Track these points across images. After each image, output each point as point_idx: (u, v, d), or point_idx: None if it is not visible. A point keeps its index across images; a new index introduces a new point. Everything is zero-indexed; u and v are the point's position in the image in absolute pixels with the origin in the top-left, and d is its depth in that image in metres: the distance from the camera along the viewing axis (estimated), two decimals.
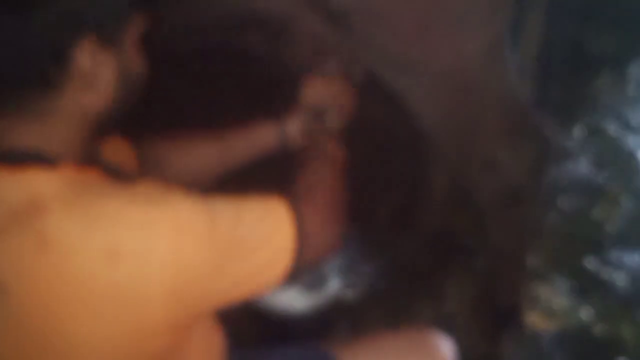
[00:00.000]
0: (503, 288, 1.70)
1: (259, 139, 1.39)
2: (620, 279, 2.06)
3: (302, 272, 1.00)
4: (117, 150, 1.18)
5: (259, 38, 1.32)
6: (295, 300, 1.61)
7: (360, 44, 1.21)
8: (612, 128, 2.65)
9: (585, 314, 1.97)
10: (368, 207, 2.21)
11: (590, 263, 2.11)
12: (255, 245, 0.94)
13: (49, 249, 0.81)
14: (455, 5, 1.13)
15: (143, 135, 1.29)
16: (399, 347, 1.28)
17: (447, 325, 1.84)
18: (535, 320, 1.94)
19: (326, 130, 1.32)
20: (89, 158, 0.94)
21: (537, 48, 1.51)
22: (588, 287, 2.04)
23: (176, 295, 0.85)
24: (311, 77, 1.36)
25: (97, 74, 0.88)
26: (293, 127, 1.37)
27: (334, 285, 1.66)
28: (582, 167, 2.47)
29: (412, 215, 2.10)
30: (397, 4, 1.11)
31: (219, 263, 0.89)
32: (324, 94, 1.35)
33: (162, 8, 1.07)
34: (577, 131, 2.63)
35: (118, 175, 0.97)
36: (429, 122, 1.31)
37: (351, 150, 1.47)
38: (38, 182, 0.85)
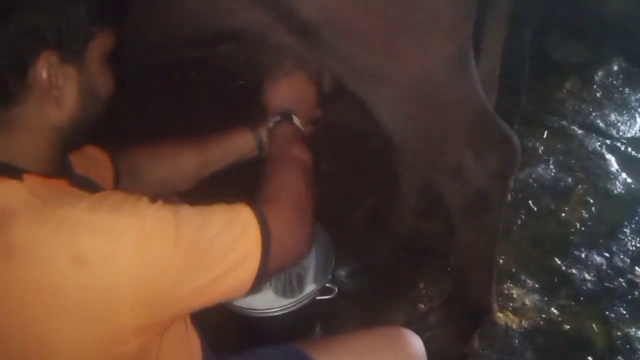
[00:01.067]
0: (473, 288, 1.73)
1: (235, 145, 1.40)
2: (587, 277, 2.11)
3: (271, 275, 1.00)
4: (91, 162, 1.19)
5: (233, 50, 1.34)
6: (272, 303, 1.63)
7: (330, 55, 1.24)
8: (578, 131, 2.72)
9: (554, 311, 2.02)
10: (342, 212, 2.26)
11: (559, 262, 2.16)
12: (221, 250, 0.94)
13: (16, 258, 0.83)
14: (420, 18, 1.15)
15: (122, 146, 1.31)
16: (372, 344, 1.29)
17: (420, 325, 1.90)
18: (506, 319, 1.99)
19: (295, 132, 1.31)
20: (56, 169, 0.96)
21: (499, 57, 1.55)
22: (557, 285, 2.09)
23: (143, 300, 0.87)
24: (269, 81, 1.37)
25: (58, 88, 0.90)
26: (265, 133, 1.38)
27: (309, 288, 1.67)
28: (550, 169, 2.53)
29: (385, 219, 2.15)
30: (365, 18, 1.13)
31: (185, 267, 0.90)
32: (285, 93, 1.36)
33: (138, 23, 1.08)
34: (546, 135, 2.70)
35: (86, 186, 0.98)
36: (397, 130, 1.34)
37: (325, 156, 1.51)
38: (4, 193, 0.87)
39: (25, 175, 0.89)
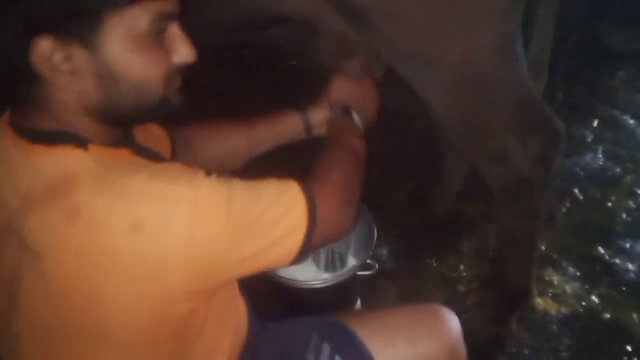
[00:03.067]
0: (513, 271, 1.76)
1: (285, 127, 1.45)
2: (630, 268, 2.11)
3: (314, 249, 1.05)
4: (150, 136, 1.24)
5: (285, 33, 1.38)
6: (314, 276, 1.68)
7: (378, 39, 1.27)
8: (629, 121, 2.68)
9: (595, 300, 2.02)
10: (386, 193, 2.30)
11: (602, 251, 2.16)
12: (269, 223, 0.99)
13: (80, 220, 0.88)
14: (467, 3, 1.18)
15: (178, 123, 1.37)
16: (408, 319, 1.33)
17: (459, 306, 1.93)
18: (545, 304, 2.00)
19: (353, 125, 1.37)
20: (120, 141, 1.00)
21: (550, 43, 1.55)
22: (598, 274, 2.10)
23: (192, 266, 0.92)
24: (339, 74, 1.41)
25: (64, 73, 0.90)
26: (318, 117, 1.44)
27: (350, 264, 1.72)
28: (598, 158, 2.51)
29: (428, 201, 2.18)
30: (413, 3, 1.17)
31: (234, 238, 0.95)
32: (350, 93, 1.41)
33: (197, 5, 1.10)
34: (595, 124, 2.67)
35: (148, 156, 1.04)
36: (442, 113, 1.37)
37: (370, 137, 1.54)
38: (70, 160, 0.92)
39: (89, 145, 0.94)
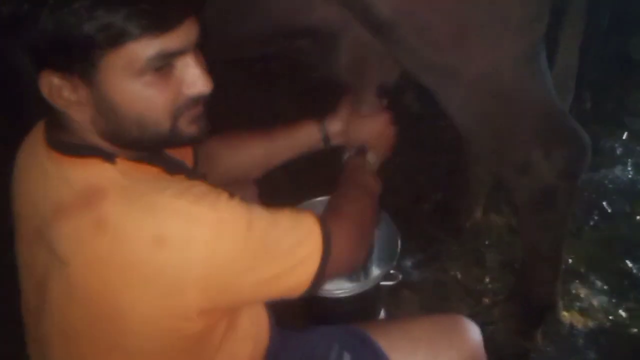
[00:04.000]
0: (538, 284, 1.75)
1: (302, 137, 1.49)
2: None
3: (326, 280, 1.08)
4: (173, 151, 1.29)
5: (309, 45, 1.40)
6: (338, 286, 1.69)
7: (402, 50, 1.29)
8: None
9: (622, 314, 2.00)
10: (411, 204, 2.31)
11: (630, 265, 2.14)
12: (285, 250, 1.02)
13: (106, 230, 0.92)
14: (491, 16, 1.19)
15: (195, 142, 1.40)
16: (429, 329, 1.34)
17: (483, 318, 1.93)
18: (572, 318, 1.98)
19: (368, 164, 1.42)
20: (145, 157, 1.02)
21: (576, 57, 1.55)
22: (626, 288, 2.07)
23: (209, 285, 0.95)
24: (355, 114, 1.46)
25: (70, 103, 0.93)
26: (335, 128, 1.47)
27: (374, 274, 1.73)
28: (627, 171, 2.49)
29: (453, 213, 2.18)
30: (436, 15, 1.18)
31: (251, 261, 0.98)
32: (366, 132, 1.45)
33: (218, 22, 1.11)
34: (624, 136, 2.65)
35: (176, 171, 1.06)
36: (465, 124, 1.38)
37: (397, 148, 1.57)
38: (98, 172, 0.96)
39: (117, 159, 0.97)
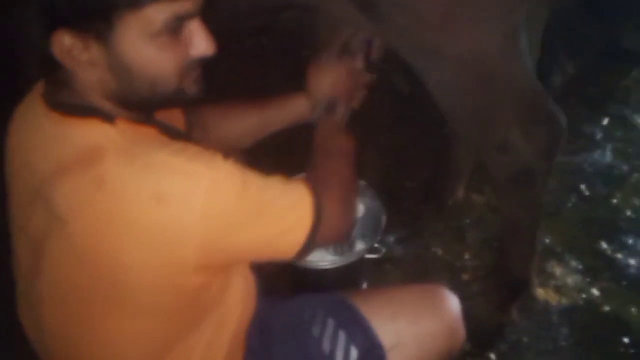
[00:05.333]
0: (514, 261, 1.81)
1: (292, 109, 1.53)
2: (632, 263, 2.14)
3: (315, 248, 1.13)
4: (168, 114, 1.29)
5: (295, 19, 1.42)
6: (322, 258, 1.74)
7: (388, 28, 1.32)
8: (639, 120, 2.71)
9: (595, 293, 2.06)
10: (397, 181, 2.35)
11: (605, 246, 2.20)
12: (278, 212, 1.07)
13: (106, 189, 0.95)
14: None
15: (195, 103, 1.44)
16: (410, 297, 1.39)
17: (462, 293, 1.98)
18: (547, 295, 2.04)
19: (338, 124, 1.44)
20: (143, 119, 1.07)
21: (539, 39, 1.59)
22: (601, 268, 2.13)
23: (205, 241, 0.99)
24: (313, 67, 1.47)
25: (82, 63, 0.96)
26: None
27: (358, 248, 1.78)
28: (607, 155, 2.54)
29: (438, 191, 2.23)
30: None
31: (246, 220, 1.03)
32: (329, 81, 1.46)
33: None
34: (606, 122, 2.70)
35: (172, 133, 1.11)
36: (448, 103, 1.42)
37: (384, 126, 1.61)
38: (98, 132, 0.99)
39: (116, 120, 1.01)
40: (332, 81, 1.46)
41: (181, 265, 1.00)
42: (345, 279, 1.79)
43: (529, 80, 1.41)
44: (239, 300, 1.26)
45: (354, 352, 1.29)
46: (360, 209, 1.82)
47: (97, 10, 0.92)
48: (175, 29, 0.97)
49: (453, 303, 1.40)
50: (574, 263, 2.15)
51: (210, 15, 1.33)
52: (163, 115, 1.26)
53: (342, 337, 1.30)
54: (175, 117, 1.39)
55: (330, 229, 1.16)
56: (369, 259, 1.75)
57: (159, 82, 1.00)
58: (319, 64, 1.48)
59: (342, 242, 1.31)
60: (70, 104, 1.02)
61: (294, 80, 1.56)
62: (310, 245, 1.11)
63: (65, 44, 0.94)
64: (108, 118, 1.01)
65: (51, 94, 1.04)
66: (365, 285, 1.94)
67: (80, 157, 0.98)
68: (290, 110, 1.53)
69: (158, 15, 0.94)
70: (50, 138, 1.02)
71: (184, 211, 0.97)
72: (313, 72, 1.48)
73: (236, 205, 1.01)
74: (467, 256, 2.18)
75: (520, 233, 1.72)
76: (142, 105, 1.05)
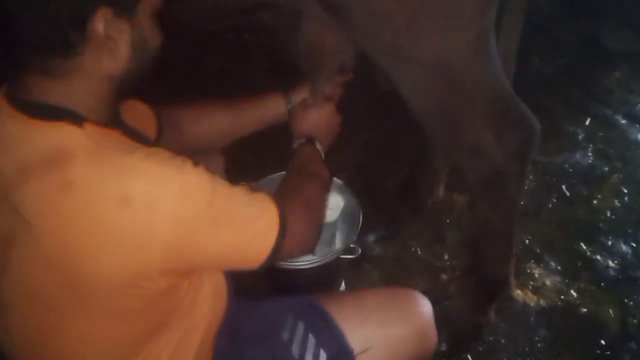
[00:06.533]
0: (490, 262, 1.81)
1: (269, 109, 1.54)
2: (610, 264, 2.15)
3: (280, 259, 1.15)
4: (137, 114, 1.33)
5: (272, 18, 1.43)
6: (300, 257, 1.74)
7: (356, 31, 1.32)
8: (621, 121, 2.72)
9: (573, 294, 2.07)
10: (376, 180, 2.35)
11: (584, 247, 2.21)
12: (244, 221, 1.08)
13: (72, 191, 0.96)
14: (442, 2, 1.23)
15: (165, 101, 1.44)
16: (381, 302, 1.39)
17: (440, 293, 2.00)
18: (524, 296, 2.05)
19: (316, 152, 1.46)
20: (110, 119, 1.08)
21: (516, 42, 1.60)
22: (579, 269, 2.15)
23: (171, 246, 1.00)
24: (301, 107, 1.52)
25: (113, 41, 1.01)
26: (300, 100, 1.52)
27: (335, 247, 1.78)
28: (588, 156, 2.55)
29: (416, 190, 2.23)
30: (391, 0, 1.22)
31: (212, 227, 1.04)
32: (312, 124, 1.50)
33: None
34: (587, 122, 2.71)
35: (136, 137, 1.11)
36: (418, 106, 1.42)
37: (363, 125, 1.60)
38: (66, 135, 0.99)
39: (85, 123, 1.01)
40: (314, 123, 1.50)
41: (147, 268, 1.00)
42: (322, 278, 1.79)
43: (499, 83, 1.41)
44: (209, 303, 1.27)
45: (323, 356, 1.29)
46: (339, 208, 1.82)
47: None
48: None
49: (424, 307, 1.41)
50: (552, 264, 2.16)
51: (180, 14, 1.34)
52: (133, 117, 1.28)
53: (311, 340, 1.31)
54: (146, 119, 1.39)
55: (295, 240, 1.17)
56: (345, 258, 1.74)
57: (155, 54, 1.10)
58: (304, 106, 1.53)
59: (305, 254, 1.32)
60: (39, 104, 1.01)
61: (273, 78, 1.56)
62: (276, 254, 1.13)
63: (106, 21, 0.98)
64: (77, 120, 1.01)
65: (16, 93, 1.04)
66: (343, 285, 1.94)
67: (47, 159, 0.98)
68: (265, 111, 1.54)
69: None
70: (15, 140, 1.02)
71: (150, 215, 0.97)
72: (299, 111, 1.52)
73: (204, 212, 1.02)
74: (446, 256, 2.19)
75: (495, 234, 1.72)
76: (131, 86, 1.11)
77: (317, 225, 1.27)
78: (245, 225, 1.09)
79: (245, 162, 1.61)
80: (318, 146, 1.47)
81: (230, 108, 1.53)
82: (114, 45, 1.02)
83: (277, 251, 1.12)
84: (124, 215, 0.96)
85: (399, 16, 1.24)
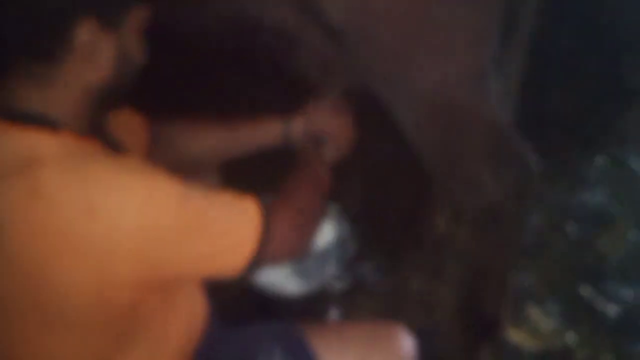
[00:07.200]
0: (483, 301, 1.77)
1: (264, 132, 1.49)
2: (612, 310, 2.10)
3: (262, 266, 1.12)
4: (127, 125, 1.31)
5: (270, 41, 1.42)
6: (287, 281, 1.72)
7: (353, 57, 1.30)
8: (634, 161, 2.65)
9: (571, 338, 2.01)
10: (379, 208, 2.32)
11: (586, 291, 2.15)
12: (218, 231, 1.05)
13: (38, 198, 0.95)
14: (439, 34, 1.21)
15: (159, 114, 1.43)
16: (362, 335, 1.37)
17: (432, 329, 1.95)
18: (519, 338, 2.00)
19: (321, 158, 1.41)
20: (90, 128, 1.07)
21: (518, 78, 1.57)
22: (579, 313, 2.09)
23: (139, 256, 0.98)
24: (318, 104, 1.46)
25: (96, 51, 1.00)
26: (297, 128, 1.47)
27: (328, 274, 1.76)
28: (597, 196, 2.50)
29: (420, 221, 2.19)
30: (385, 27, 1.19)
31: (183, 236, 1.01)
32: (326, 125, 1.44)
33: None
34: (599, 161, 2.66)
35: (114, 147, 1.10)
36: (413, 136, 1.39)
37: (370, 151, 1.58)
38: (38, 142, 0.99)
39: (60, 131, 1.00)
40: (328, 121, 1.45)
41: (113, 280, 0.99)
42: (310, 306, 1.77)
43: (497, 119, 1.38)
44: (182, 320, 1.24)
45: None
46: (332, 235, 1.80)
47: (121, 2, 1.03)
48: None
49: (406, 343, 1.39)
50: (551, 306, 2.10)
51: (180, 34, 1.34)
52: (124, 128, 1.27)
53: None
54: (134, 132, 1.38)
55: (279, 249, 1.13)
56: (333, 287, 1.72)
57: (136, 72, 1.09)
58: (321, 104, 1.47)
59: (291, 260, 1.30)
60: (17, 110, 1.01)
61: (274, 98, 1.54)
62: (255, 264, 1.09)
63: (90, 31, 0.98)
64: (52, 127, 1.00)
65: None
66: (334, 314, 1.91)
67: (18, 165, 0.97)
68: (260, 135, 1.50)
69: (144, 12, 1.07)
70: None
71: (116, 225, 0.96)
72: (312, 109, 1.47)
73: (172, 222, 0.99)
74: (443, 292, 2.13)
75: (489, 272, 1.68)
76: (113, 99, 1.10)
77: (305, 231, 1.23)
78: (220, 235, 1.06)
79: (242, 179, 1.57)
80: (327, 151, 1.43)
81: (226, 128, 1.51)
82: (97, 56, 1.01)
83: (257, 260, 1.09)
84: (89, 225, 0.95)
85: (396, 43, 1.22)
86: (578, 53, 3.04)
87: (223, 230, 1.06)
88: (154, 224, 0.98)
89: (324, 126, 1.45)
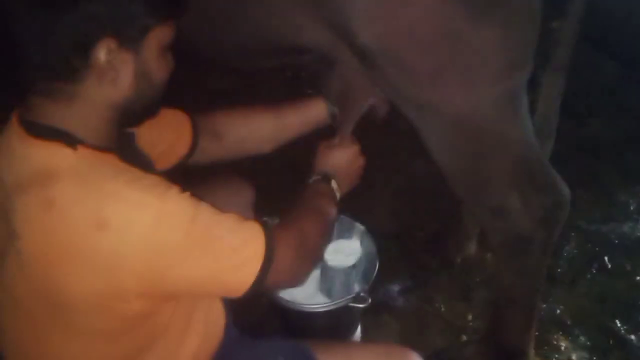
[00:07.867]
0: (509, 329, 1.73)
1: (310, 113, 1.53)
2: None
3: (265, 289, 1.13)
4: (169, 122, 1.36)
5: (310, 63, 1.43)
6: (310, 298, 1.71)
7: (383, 80, 1.30)
8: None
9: None
10: (407, 230, 2.30)
11: (619, 324, 2.08)
12: (225, 250, 1.07)
13: (54, 211, 0.98)
14: (469, 59, 1.19)
15: (204, 108, 1.44)
16: (371, 357, 1.36)
17: (456, 355, 1.91)
18: None
19: (329, 191, 1.42)
20: (110, 143, 1.09)
21: (557, 105, 1.53)
22: (610, 347, 2.02)
23: (146, 270, 1.00)
24: (326, 145, 1.49)
25: (115, 70, 1.03)
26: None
27: (348, 293, 1.74)
28: (637, 228, 2.43)
29: (447, 243, 2.17)
30: (415, 51, 1.19)
31: (190, 254, 1.03)
32: (334, 163, 1.46)
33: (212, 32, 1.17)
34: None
35: (134, 161, 1.11)
36: (442, 160, 1.38)
37: (399, 172, 1.58)
38: (57, 156, 1.02)
39: (79, 146, 1.03)
40: (336, 162, 1.47)
41: (121, 291, 1.01)
42: (332, 325, 1.75)
43: (528, 146, 1.35)
44: (199, 334, 1.26)
45: None
46: (357, 254, 1.78)
47: (140, 22, 1.03)
48: (169, 45, 1.11)
49: None
50: (582, 338, 2.05)
51: (216, 53, 1.35)
52: (164, 127, 1.33)
53: None
54: (181, 127, 1.43)
55: (282, 273, 1.15)
56: (357, 307, 1.70)
57: (161, 88, 1.12)
58: (329, 145, 1.50)
59: (293, 286, 1.31)
60: (38, 125, 1.04)
61: None
62: (259, 285, 1.11)
63: (109, 50, 1.01)
64: (71, 142, 1.03)
65: (25, 112, 1.07)
66: (358, 333, 1.89)
67: (37, 176, 1.01)
68: (307, 114, 1.54)
69: (169, 32, 1.09)
70: (16, 155, 1.06)
71: (124, 238, 0.99)
72: (324, 149, 1.50)
73: (181, 239, 1.02)
74: (469, 316, 2.10)
75: (516, 301, 1.64)
76: (135, 116, 1.13)
77: (309, 259, 1.24)
78: (226, 255, 1.07)
79: (275, 196, 1.57)
80: (334, 185, 1.43)
81: (271, 112, 1.53)
82: (115, 75, 1.04)
83: (260, 282, 1.10)
84: (98, 238, 0.98)
85: (425, 69, 1.22)
86: (620, 80, 2.99)
87: (229, 250, 1.08)
88: (161, 241, 1.00)
89: (333, 166, 1.46)
